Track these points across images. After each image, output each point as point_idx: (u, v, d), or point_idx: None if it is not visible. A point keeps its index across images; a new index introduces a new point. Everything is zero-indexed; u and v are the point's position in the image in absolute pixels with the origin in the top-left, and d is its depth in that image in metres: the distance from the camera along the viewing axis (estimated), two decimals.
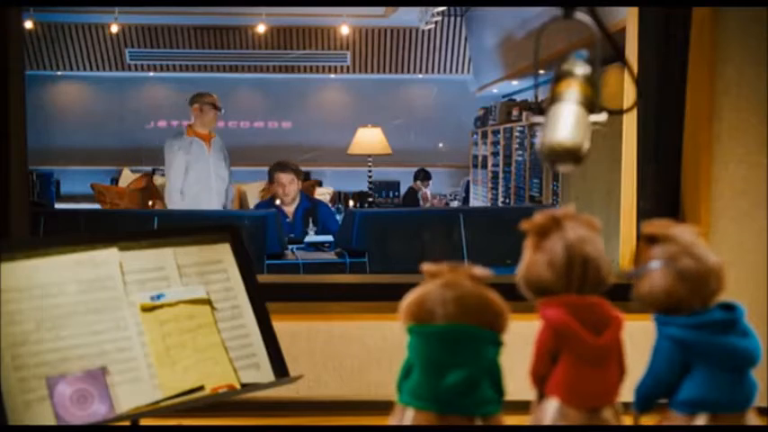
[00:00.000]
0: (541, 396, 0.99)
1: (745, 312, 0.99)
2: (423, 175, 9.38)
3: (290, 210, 5.37)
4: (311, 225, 5.26)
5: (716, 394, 0.97)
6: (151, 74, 10.84)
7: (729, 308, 0.99)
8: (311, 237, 5.15)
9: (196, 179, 5.27)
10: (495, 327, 0.96)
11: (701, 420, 0.97)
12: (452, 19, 10.45)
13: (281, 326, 1.31)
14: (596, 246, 0.97)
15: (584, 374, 0.96)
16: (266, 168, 5.58)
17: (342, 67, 10.85)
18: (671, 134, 1.72)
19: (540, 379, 0.99)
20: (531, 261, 0.98)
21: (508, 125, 8.77)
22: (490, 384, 0.95)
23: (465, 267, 0.97)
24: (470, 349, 0.94)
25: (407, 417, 0.94)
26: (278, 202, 5.35)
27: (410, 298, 0.96)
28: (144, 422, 1.18)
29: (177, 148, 5.28)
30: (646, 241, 0.99)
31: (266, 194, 6.11)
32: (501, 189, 9.09)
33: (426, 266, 0.97)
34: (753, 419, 0.98)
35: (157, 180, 7.86)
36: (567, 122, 0.97)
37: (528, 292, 0.99)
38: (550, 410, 0.96)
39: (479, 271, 0.97)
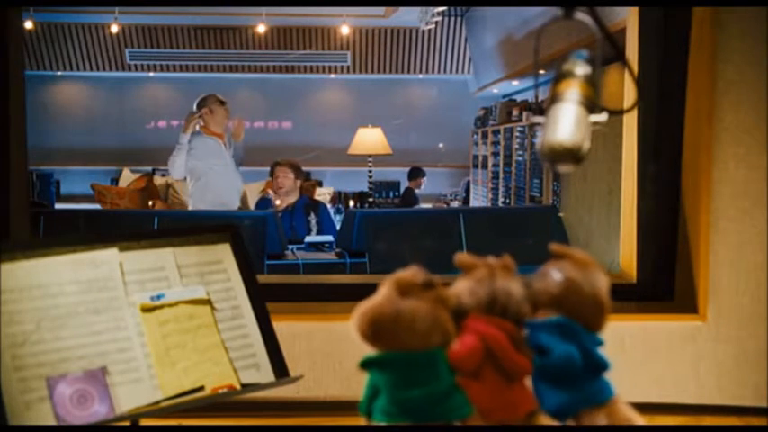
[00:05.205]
0: None
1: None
2: (418, 173, 9.39)
3: (280, 203, 5.41)
4: (312, 215, 5.30)
5: (578, 395, 0.97)
6: (151, 74, 10.83)
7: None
8: (311, 237, 5.15)
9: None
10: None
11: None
12: (452, 19, 10.44)
13: (281, 326, 1.30)
14: (519, 289, 1.00)
15: (497, 389, 0.96)
16: (266, 169, 5.62)
17: (342, 67, 10.84)
18: (671, 134, 1.72)
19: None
20: (458, 287, 1.00)
21: (508, 125, 8.76)
22: (459, 389, 0.95)
23: (411, 277, 0.96)
24: (429, 367, 0.94)
25: None
26: (270, 194, 5.44)
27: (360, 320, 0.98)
28: (144, 422, 1.18)
29: None
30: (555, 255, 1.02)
31: (264, 194, 6.15)
32: (501, 189, 9.07)
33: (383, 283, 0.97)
34: (624, 408, 0.99)
35: (157, 180, 7.86)
36: (567, 122, 0.96)
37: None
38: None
39: (423, 276, 0.96)
